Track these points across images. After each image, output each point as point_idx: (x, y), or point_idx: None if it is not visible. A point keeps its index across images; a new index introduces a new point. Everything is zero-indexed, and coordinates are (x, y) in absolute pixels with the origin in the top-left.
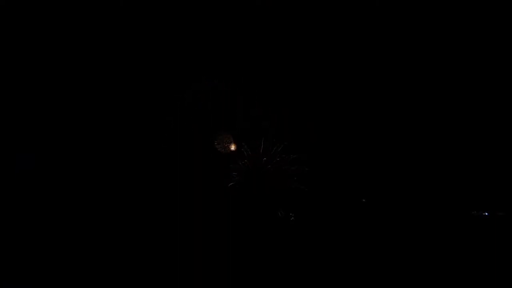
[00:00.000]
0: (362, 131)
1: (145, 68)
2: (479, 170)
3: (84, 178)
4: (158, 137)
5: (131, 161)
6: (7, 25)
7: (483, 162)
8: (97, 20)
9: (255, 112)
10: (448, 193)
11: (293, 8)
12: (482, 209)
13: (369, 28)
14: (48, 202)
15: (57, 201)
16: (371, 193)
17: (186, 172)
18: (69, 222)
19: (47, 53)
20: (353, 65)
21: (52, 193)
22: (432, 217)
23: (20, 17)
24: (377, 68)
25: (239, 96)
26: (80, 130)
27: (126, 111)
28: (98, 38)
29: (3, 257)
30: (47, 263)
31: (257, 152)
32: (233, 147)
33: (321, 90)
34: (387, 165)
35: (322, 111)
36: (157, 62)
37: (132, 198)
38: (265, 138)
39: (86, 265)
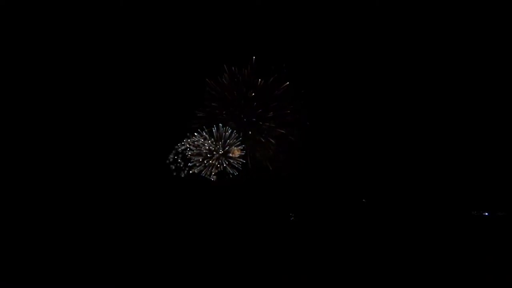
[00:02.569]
0: (363, 131)
1: (147, 68)
2: (479, 170)
3: (84, 178)
4: (158, 138)
5: (132, 161)
6: (7, 25)
7: (483, 163)
8: (97, 21)
9: (256, 112)
10: (448, 193)
11: (292, 9)
12: (482, 209)
13: (370, 28)
14: (48, 202)
15: (57, 201)
16: (371, 193)
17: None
18: (69, 222)
19: (49, 54)
20: (354, 65)
21: (52, 193)
22: (432, 217)
23: (21, 17)
24: (378, 68)
25: (241, 95)
26: (81, 130)
27: (128, 111)
28: (99, 39)
29: (3, 257)
30: (46, 264)
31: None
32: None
33: (321, 90)
34: (387, 165)
35: (323, 111)
36: (159, 63)
37: (132, 197)
38: (266, 138)
39: (85, 265)
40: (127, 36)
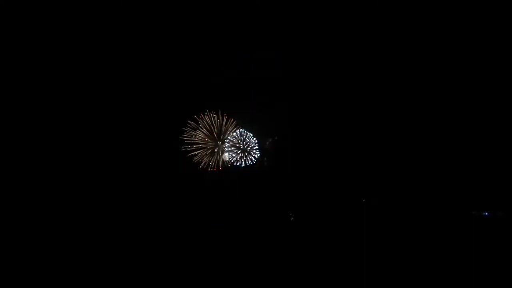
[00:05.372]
0: (362, 130)
1: (150, 69)
2: (479, 170)
3: (85, 178)
4: (163, 139)
5: (134, 162)
6: (7, 25)
7: (484, 163)
8: (96, 22)
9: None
10: (448, 193)
11: (292, 9)
12: (482, 209)
13: (370, 28)
14: (48, 202)
15: (57, 202)
16: (371, 193)
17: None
18: (69, 223)
19: (57, 55)
20: (354, 64)
21: (52, 193)
22: (432, 217)
23: (23, 17)
24: (378, 67)
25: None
26: (82, 131)
27: (131, 112)
28: (101, 38)
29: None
30: (46, 264)
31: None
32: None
33: (321, 89)
34: (387, 165)
35: (322, 110)
36: (162, 63)
37: (133, 198)
38: (266, 138)
39: (84, 266)
40: (125, 37)
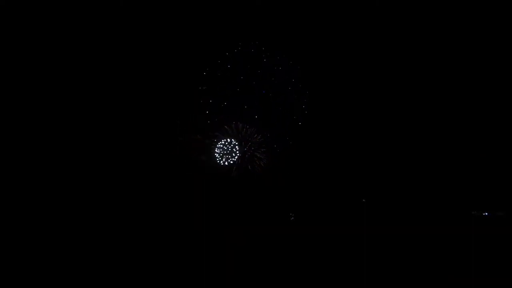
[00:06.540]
0: (362, 130)
1: (150, 69)
2: (479, 170)
3: (85, 179)
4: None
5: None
6: (7, 25)
7: (483, 162)
8: (95, 21)
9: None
10: (448, 193)
11: (292, 9)
12: (482, 209)
13: (370, 28)
14: (49, 202)
15: (57, 202)
16: (371, 193)
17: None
18: (69, 223)
19: (61, 55)
20: (354, 64)
21: (53, 193)
22: (432, 217)
23: (23, 18)
24: (378, 67)
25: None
26: (82, 131)
27: (132, 112)
28: (100, 38)
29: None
30: (45, 265)
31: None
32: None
33: (321, 88)
34: (387, 164)
35: (321, 109)
36: (161, 63)
37: (133, 198)
38: (265, 138)
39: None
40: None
